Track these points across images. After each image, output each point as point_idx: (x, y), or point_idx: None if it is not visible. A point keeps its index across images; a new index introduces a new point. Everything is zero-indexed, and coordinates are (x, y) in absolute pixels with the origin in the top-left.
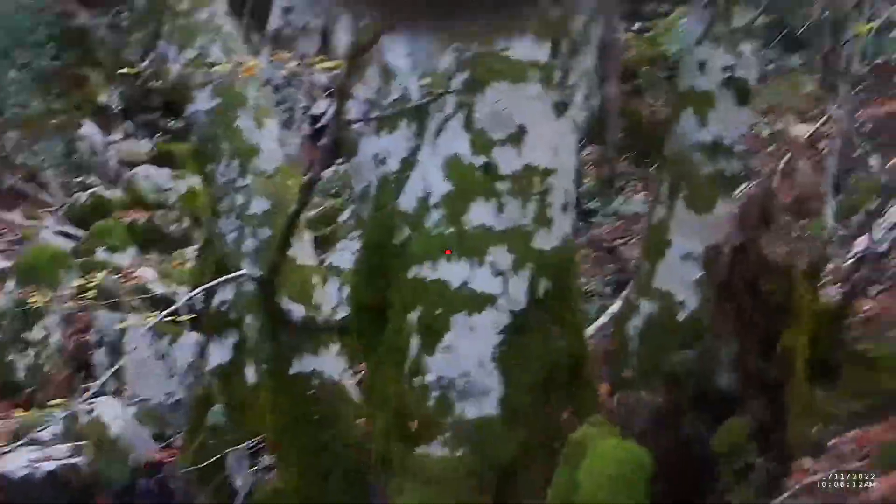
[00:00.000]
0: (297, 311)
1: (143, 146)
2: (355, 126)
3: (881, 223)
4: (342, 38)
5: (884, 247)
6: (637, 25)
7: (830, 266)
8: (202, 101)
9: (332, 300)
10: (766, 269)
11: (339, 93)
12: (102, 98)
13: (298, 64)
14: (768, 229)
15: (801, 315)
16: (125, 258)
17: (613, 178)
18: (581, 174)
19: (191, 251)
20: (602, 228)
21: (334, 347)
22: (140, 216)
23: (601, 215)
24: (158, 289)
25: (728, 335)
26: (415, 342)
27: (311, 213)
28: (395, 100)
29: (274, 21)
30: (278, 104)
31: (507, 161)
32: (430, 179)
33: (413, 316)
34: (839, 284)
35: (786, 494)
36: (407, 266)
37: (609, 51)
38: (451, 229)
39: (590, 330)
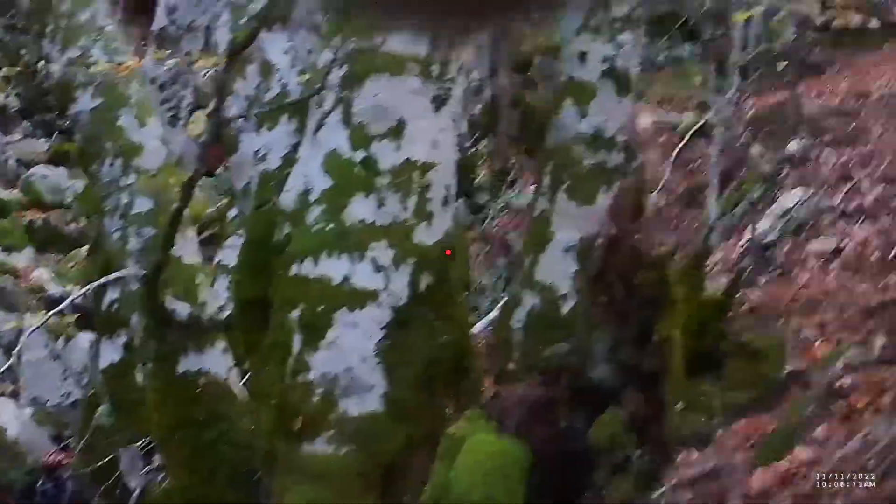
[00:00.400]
0: (183, 309)
1: (41, 146)
2: (237, 123)
3: (769, 212)
4: (224, 36)
5: (772, 236)
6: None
7: (717, 256)
8: (84, 101)
9: (220, 298)
10: (639, 261)
11: (218, 89)
12: (0, 98)
13: (181, 63)
14: (641, 221)
15: (675, 307)
16: (22, 259)
17: (506, 170)
18: (472, 167)
19: (85, 251)
20: (494, 222)
21: (220, 345)
22: (37, 216)
23: (493, 209)
24: (54, 289)
25: (602, 327)
26: (297, 339)
27: (209, 210)
28: (275, 96)
29: (159, 20)
30: (163, 102)
31: (387, 156)
32: (310, 175)
33: (295, 313)
34: (726, 274)
35: (664, 488)
36: (288, 263)
37: (500, 42)
38: (332, 225)
39: (481, 324)
